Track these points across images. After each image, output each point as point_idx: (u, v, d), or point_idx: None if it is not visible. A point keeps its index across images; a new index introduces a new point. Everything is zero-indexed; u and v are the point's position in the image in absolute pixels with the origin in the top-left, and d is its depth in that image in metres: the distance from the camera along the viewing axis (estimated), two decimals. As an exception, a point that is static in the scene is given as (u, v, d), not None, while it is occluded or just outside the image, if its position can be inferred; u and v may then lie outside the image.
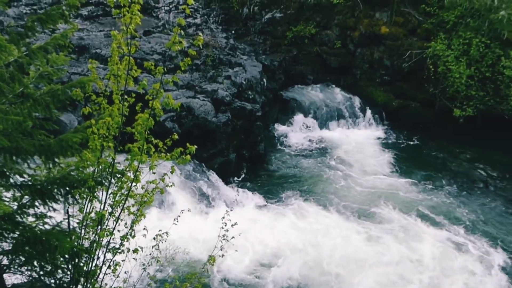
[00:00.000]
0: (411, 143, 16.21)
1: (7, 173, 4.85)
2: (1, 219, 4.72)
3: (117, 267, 5.66)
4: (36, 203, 5.05)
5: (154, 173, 5.32)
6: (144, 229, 5.96)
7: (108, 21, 15.55)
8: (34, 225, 5.06)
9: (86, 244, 5.38)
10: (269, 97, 15.68)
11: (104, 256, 5.56)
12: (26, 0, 16.30)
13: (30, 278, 5.46)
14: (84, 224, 5.34)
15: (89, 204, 5.29)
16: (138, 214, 5.54)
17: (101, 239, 5.31)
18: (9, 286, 5.51)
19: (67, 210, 5.29)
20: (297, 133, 15.99)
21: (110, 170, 5.11)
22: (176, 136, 5.22)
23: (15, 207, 4.94)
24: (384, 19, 17.24)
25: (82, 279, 5.42)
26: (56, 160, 5.00)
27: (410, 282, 9.64)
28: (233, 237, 6.57)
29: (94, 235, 5.35)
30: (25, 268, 5.33)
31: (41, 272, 5.36)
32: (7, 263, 5.27)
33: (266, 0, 18.56)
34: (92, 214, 5.29)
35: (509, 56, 15.20)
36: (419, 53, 16.37)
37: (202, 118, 12.21)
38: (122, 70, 4.73)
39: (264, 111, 14.82)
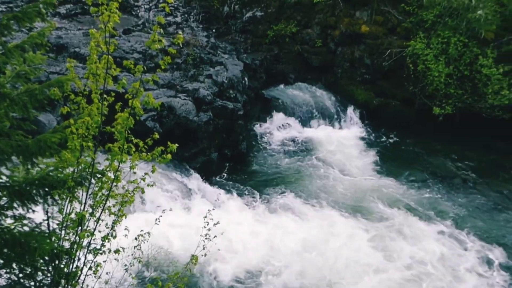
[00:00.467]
0: (392, 141, 16.37)
1: (-16, 174, 4.77)
2: (-22, 221, 4.64)
3: (99, 268, 5.60)
4: (15, 205, 4.97)
5: (135, 172, 5.28)
6: (125, 229, 5.92)
7: (87, 20, 15.36)
8: (12, 227, 4.98)
9: (67, 245, 5.32)
10: (250, 96, 15.67)
11: (85, 257, 5.50)
12: (2, -2, 16.05)
13: (9, 280, 5.38)
14: (64, 225, 5.28)
15: (69, 205, 5.23)
16: (119, 214, 5.50)
17: (82, 240, 5.26)
18: (-13, 289, 5.42)
19: (47, 211, 5.22)
20: (279, 131, 16.01)
21: (90, 170, 5.06)
22: (156, 135, 5.19)
23: (-8, 209, 4.86)
24: (364, 18, 17.37)
25: (62, 281, 5.36)
26: (35, 160, 4.93)
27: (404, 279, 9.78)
28: (215, 236, 6.58)
29: (74, 236, 5.30)
30: (4, 270, 5.24)
31: (21, 275, 5.28)
32: (-15, 266, 5.19)
33: (247, -1, 18.58)
34: (72, 215, 5.23)
35: (486, 55, 15.44)
36: (399, 52, 16.53)
37: (184, 117, 12.15)
38: (101, 69, 4.69)
39: (246, 110, 14.81)
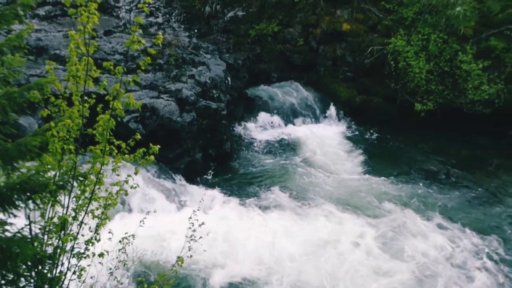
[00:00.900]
0: (375, 137, 16.50)
1: (-37, 180, 4.69)
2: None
3: (83, 272, 5.54)
4: (-4, 210, 4.90)
5: (118, 175, 5.24)
6: (109, 232, 5.88)
7: (67, 21, 15.19)
8: (-7, 232, 4.91)
9: (50, 250, 5.25)
10: (233, 95, 15.66)
11: (69, 262, 5.44)
12: (-21, 0, 15.79)
13: (-9, 287, 5.30)
14: (47, 229, 5.21)
15: (51, 209, 5.16)
16: (102, 218, 5.45)
17: (65, 244, 5.20)
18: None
19: (28, 216, 5.15)
20: (263, 130, 16.04)
21: (72, 173, 5.00)
22: (138, 136, 5.14)
23: (-28, 215, 4.78)
24: (345, 16, 17.47)
25: (46, 286, 5.29)
26: (15, 165, 4.86)
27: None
28: (201, 237, 6.57)
29: (57, 240, 5.23)
30: (-15, 277, 5.17)
31: (3, 281, 5.20)
32: (-34, 273, 5.10)
33: (228, -1, 18.56)
34: (55, 219, 5.16)
35: (466, 51, 15.65)
36: (380, 49, 16.66)
37: (167, 118, 12.09)
38: (81, 71, 4.64)
39: (229, 109, 14.80)
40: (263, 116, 16.30)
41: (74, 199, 5.17)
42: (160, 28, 16.64)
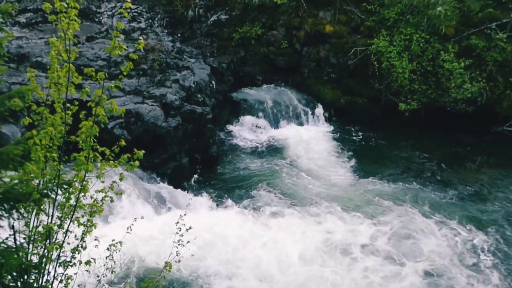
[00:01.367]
0: (361, 138, 16.60)
1: None
2: None
3: (69, 280, 5.48)
4: (-21, 221, 4.84)
5: (102, 181, 5.20)
6: (95, 239, 5.83)
7: (48, 28, 15.04)
8: (-23, 243, 4.84)
9: (35, 259, 5.19)
10: (219, 99, 15.65)
11: (55, 271, 5.38)
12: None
13: (-24, 299, 5.22)
14: (32, 239, 5.15)
15: (36, 218, 5.10)
16: (88, 225, 5.41)
17: (51, 253, 5.14)
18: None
19: (13, 225, 5.09)
20: (249, 133, 16.04)
21: (56, 181, 4.95)
22: (123, 143, 5.11)
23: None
24: (328, 18, 17.57)
25: (32, 296, 5.23)
26: (-2, 174, 4.80)
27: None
28: (188, 242, 6.55)
29: (43, 249, 5.17)
30: (-30, 289, 5.09)
31: (-12, 292, 5.14)
32: (-51, 285, 5.02)
33: (211, 2, 18.51)
34: (40, 228, 5.11)
35: (447, 50, 15.84)
36: (363, 50, 16.78)
37: (152, 123, 12.03)
38: (62, 78, 4.59)
39: (215, 113, 14.77)
40: (248, 119, 16.30)
41: (58, 207, 5.12)
42: (143, 33, 16.56)
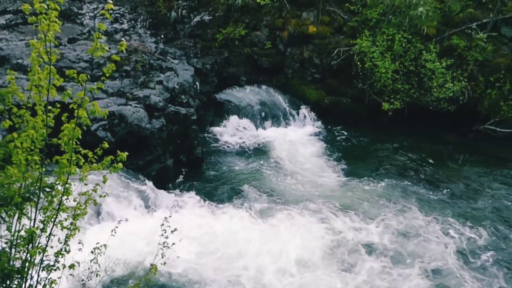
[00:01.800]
0: (345, 137, 16.69)
1: None
2: None
3: (53, 285, 5.42)
4: (-41, 226, 4.75)
5: (86, 184, 5.16)
6: (79, 243, 5.77)
7: (28, 30, 14.84)
8: (-43, 249, 4.76)
9: (18, 264, 5.12)
10: (203, 100, 15.61)
11: (38, 275, 5.32)
12: None
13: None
14: (14, 243, 5.08)
15: (18, 222, 5.04)
16: (72, 228, 5.36)
17: (33, 257, 5.07)
18: None
19: (-6, 230, 5.02)
20: (234, 134, 16.03)
21: (38, 184, 4.89)
22: (106, 145, 5.07)
23: None
24: (311, 19, 17.64)
25: (15, 301, 5.16)
26: (-22, 178, 4.72)
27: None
28: (173, 244, 6.53)
29: (25, 254, 5.10)
30: (-49, 295, 5.00)
31: (-31, 299, 5.05)
32: None
33: (194, 3, 18.46)
34: (22, 232, 5.04)
35: (429, 50, 16.04)
36: (347, 51, 16.89)
37: (136, 125, 11.96)
38: (43, 80, 4.54)
39: (199, 114, 14.73)
40: (233, 120, 16.29)
41: (41, 210, 5.06)
42: (126, 34, 16.44)
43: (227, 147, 15.33)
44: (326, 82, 17.69)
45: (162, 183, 12.30)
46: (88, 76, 4.70)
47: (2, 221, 4.92)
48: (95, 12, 17.22)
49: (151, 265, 6.11)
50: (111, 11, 4.84)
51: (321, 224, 11.38)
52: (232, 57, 17.96)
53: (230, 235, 10.65)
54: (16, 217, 4.97)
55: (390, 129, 16.61)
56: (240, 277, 9.54)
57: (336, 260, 10.26)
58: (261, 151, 15.18)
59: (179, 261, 8.87)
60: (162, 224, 6.48)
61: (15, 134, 4.64)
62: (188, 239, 9.89)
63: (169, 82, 13.70)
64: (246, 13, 18.03)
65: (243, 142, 15.65)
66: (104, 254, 6.17)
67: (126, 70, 13.65)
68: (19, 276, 5.08)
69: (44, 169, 4.88)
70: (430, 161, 15.01)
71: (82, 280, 6.29)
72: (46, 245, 5.18)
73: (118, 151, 5.06)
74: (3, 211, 4.78)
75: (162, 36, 17.99)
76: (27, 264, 5.06)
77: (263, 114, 16.72)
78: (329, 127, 17.29)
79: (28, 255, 5.04)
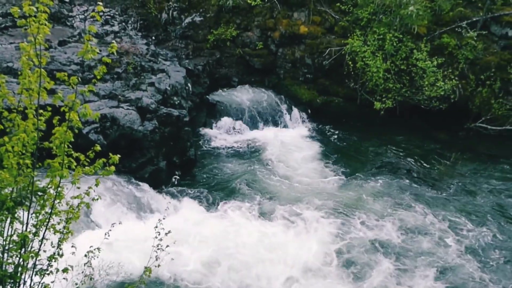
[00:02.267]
0: (338, 137, 16.72)
1: None
2: None
3: (46, 289, 5.40)
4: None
5: (78, 187, 5.13)
6: (72, 246, 5.75)
7: (18, 33, 14.75)
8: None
9: (10, 269, 5.09)
10: (195, 101, 15.58)
11: (31, 280, 5.29)
12: None
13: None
14: (6, 248, 5.05)
15: (10, 226, 5.01)
16: (65, 232, 5.33)
17: (26, 261, 5.04)
18: None
19: (-14, 235, 4.98)
20: (227, 136, 16.01)
21: (30, 188, 4.86)
22: (98, 148, 5.05)
23: None
24: (302, 19, 17.67)
25: (8, 306, 5.12)
26: (-31, 183, 4.68)
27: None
28: (167, 246, 6.51)
29: (18, 258, 5.07)
30: None
31: (-38, 304, 5.01)
32: None
33: (185, 5, 18.43)
34: (14, 237, 5.01)
35: (420, 48, 16.11)
36: (338, 50, 16.92)
37: (128, 127, 11.91)
38: (34, 83, 4.51)
39: (192, 116, 14.71)
40: (226, 121, 16.28)
41: (33, 214, 5.03)
42: (117, 36, 16.38)
43: (220, 148, 15.30)
44: (318, 82, 17.72)
45: (156, 186, 12.26)
46: (79, 78, 4.68)
47: (-6, 226, 4.89)
48: (85, 14, 17.15)
49: (145, 267, 6.08)
50: (101, 13, 4.82)
51: (322, 226, 11.40)
52: (223, 58, 17.95)
53: (226, 238, 10.62)
54: (8, 221, 4.94)
55: (382, 128, 16.67)
56: (239, 282, 9.55)
57: (344, 263, 10.27)
58: (254, 152, 15.17)
59: (172, 263, 8.86)
60: (156, 227, 6.46)
61: (6, 138, 4.61)
62: (181, 241, 9.87)
63: (161, 83, 13.66)
64: (237, 13, 18.02)
65: (236, 143, 15.63)
66: (97, 257, 6.14)
67: (117, 72, 13.60)
68: (12, 281, 5.05)
69: (36, 173, 4.85)
70: (423, 159, 15.08)
71: (76, 284, 6.23)
72: (39, 249, 5.15)
73: (110, 154, 5.04)
74: (-5, 215, 4.75)
75: (153, 37, 17.95)
76: (20, 268, 5.03)
77: (255, 114, 16.72)
78: (322, 126, 17.32)
79: (21, 259, 5.00)
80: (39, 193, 4.93)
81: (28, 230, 5.02)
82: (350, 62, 16.61)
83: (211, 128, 16.14)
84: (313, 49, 17.40)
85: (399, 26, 16.27)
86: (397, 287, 9.67)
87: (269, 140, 15.79)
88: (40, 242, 5.16)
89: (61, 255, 5.38)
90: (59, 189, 4.92)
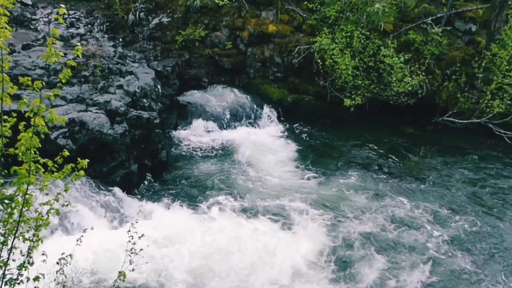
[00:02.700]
0: (309, 135, 16.83)
1: None
2: None
3: (17, 299, 5.27)
4: None
5: (47, 194, 5.03)
6: (43, 254, 5.63)
7: (-20, 38, 14.36)
8: None
9: (-22, 280, 4.96)
10: (165, 103, 15.44)
11: (1, 290, 5.16)
12: None
13: None
14: (-27, 259, 4.91)
15: (-24, 237, 4.87)
16: (34, 240, 5.22)
17: (-5, 272, 4.92)
18: None
19: (-49, 246, 4.83)
20: (199, 136, 15.92)
21: (-4, 197, 4.74)
22: (66, 153, 4.96)
23: None
24: (270, 18, 17.72)
25: (-23, 318, 4.98)
26: None
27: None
28: (141, 249, 6.46)
29: (-14, 269, 4.94)
30: None
31: None
32: None
33: (152, 6, 18.25)
34: (-19, 247, 4.88)
35: (387, 45, 16.36)
36: (307, 49, 17.03)
37: (97, 131, 11.72)
38: (-5, 89, 4.40)
39: (162, 118, 14.57)
40: (197, 122, 16.19)
41: (1, 223, 4.90)
42: (83, 39, 16.10)
43: (192, 149, 15.21)
44: (288, 80, 17.79)
45: (127, 189, 12.10)
46: (43, 83, 4.58)
47: (-41, 237, 4.74)
48: (49, 17, 16.80)
49: (119, 272, 6.02)
50: (66, 16, 4.73)
51: (307, 223, 11.44)
52: (193, 58, 17.84)
53: (198, 239, 10.57)
54: (-26, 232, 4.81)
55: (353, 124, 16.88)
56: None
57: (335, 259, 10.30)
58: (226, 152, 15.13)
59: (147, 266, 8.78)
60: (129, 230, 6.40)
61: (-31, 146, 4.48)
62: (155, 244, 9.79)
63: (129, 86, 13.49)
64: (205, 14, 17.95)
65: (209, 144, 15.56)
66: (70, 264, 6.06)
67: (84, 76, 13.37)
68: (-20, 292, 4.91)
69: (2, 181, 4.73)
70: (393, 154, 15.33)
71: (48, 292, 6.11)
72: (8, 259, 5.03)
73: (79, 159, 4.95)
74: (-40, 226, 4.61)
75: (120, 39, 17.71)
76: (-12, 279, 4.90)
77: (227, 115, 16.68)
78: (294, 125, 17.41)
79: (-11, 270, 4.88)
80: (6, 201, 4.81)
81: (-4, 239, 4.90)
82: (319, 60, 16.74)
83: (183, 130, 16.03)
84: (282, 48, 17.46)
85: (366, 24, 16.48)
86: (389, 280, 9.78)
87: (242, 140, 15.77)
88: (9, 251, 5.03)
89: (32, 264, 5.27)
90: (27, 196, 4.81)
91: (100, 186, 11.56)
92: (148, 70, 15.26)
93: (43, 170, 4.85)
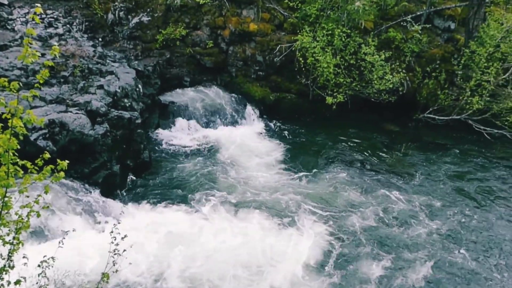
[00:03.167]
0: (292, 133, 16.88)
1: None
2: None
3: (-2, 303, 5.18)
4: None
5: (27, 196, 4.95)
6: (24, 257, 5.55)
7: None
8: None
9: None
10: (147, 103, 15.32)
11: (-19, 295, 5.07)
12: None
13: None
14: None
15: (-45, 242, 4.78)
16: (15, 243, 5.14)
17: (-26, 277, 4.83)
18: None
19: None
20: (181, 136, 15.85)
21: (-26, 200, 4.65)
22: (47, 155, 4.89)
23: None
24: (251, 16, 17.71)
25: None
26: None
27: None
28: (124, 250, 6.41)
29: (-35, 274, 4.85)
30: None
31: None
32: None
33: (131, 5, 18.08)
34: (-40, 252, 4.79)
35: (368, 43, 16.49)
36: (288, 47, 17.07)
37: (78, 132, 11.58)
38: (-27, 90, 4.31)
39: (144, 118, 14.46)
40: (179, 122, 16.11)
41: (-21, 227, 4.82)
42: (62, 39, 15.87)
43: (175, 149, 15.13)
44: (270, 79, 17.81)
45: (110, 190, 11.99)
46: (20, 84, 4.50)
47: None
48: (27, 17, 16.52)
49: (103, 273, 5.98)
50: (44, 15, 4.64)
51: (299, 221, 11.48)
52: (174, 57, 17.73)
53: (182, 240, 10.50)
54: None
55: (335, 122, 16.99)
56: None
57: (318, 259, 10.29)
58: (209, 152, 15.09)
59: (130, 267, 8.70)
60: (112, 232, 6.35)
61: None
62: (138, 245, 9.71)
63: (110, 86, 13.35)
64: (186, 12, 17.85)
65: (191, 144, 15.50)
66: (52, 267, 5.99)
67: (64, 76, 13.18)
68: (-41, 298, 4.82)
69: (-20, 184, 4.65)
70: (375, 150, 15.49)
71: (30, 295, 6.03)
72: (-12, 263, 4.95)
73: (58, 160, 4.88)
74: None
75: (100, 39, 17.52)
76: (-33, 284, 4.81)
77: (209, 114, 16.63)
78: (276, 123, 17.44)
79: (-32, 275, 4.79)
80: (-15, 205, 4.72)
81: (-25, 244, 4.81)
82: (300, 58, 16.78)
83: (165, 129, 15.93)
84: (263, 46, 17.46)
85: (346, 22, 16.58)
86: (390, 278, 9.82)
87: (224, 139, 15.75)
88: (-12, 256, 4.95)
89: (12, 267, 5.20)
90: (6, 199, 4.73)
91: (82, 187, 11.44)
92: (128, 69, 15.13)
93: (22, 172, 4.78)
